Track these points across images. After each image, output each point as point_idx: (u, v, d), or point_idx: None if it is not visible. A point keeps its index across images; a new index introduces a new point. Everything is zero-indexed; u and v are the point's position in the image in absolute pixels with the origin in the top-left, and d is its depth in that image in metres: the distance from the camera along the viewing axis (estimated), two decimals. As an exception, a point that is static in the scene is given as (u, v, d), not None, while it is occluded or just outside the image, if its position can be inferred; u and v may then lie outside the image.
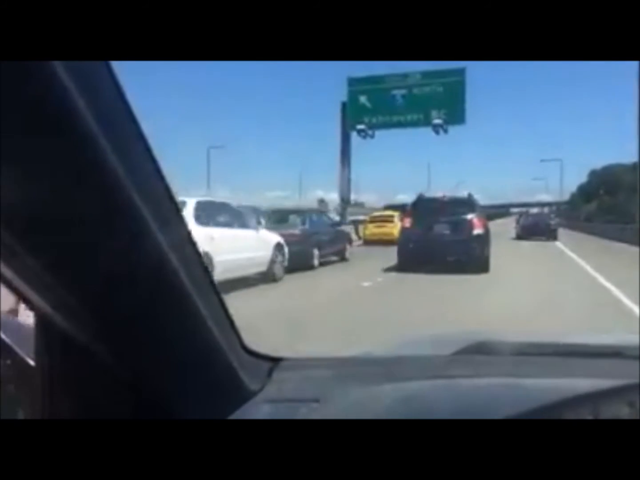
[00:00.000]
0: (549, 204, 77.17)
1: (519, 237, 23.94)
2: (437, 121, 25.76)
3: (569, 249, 18.64)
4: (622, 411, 0.57)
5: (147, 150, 0.54)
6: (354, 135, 27.47)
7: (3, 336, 0.80)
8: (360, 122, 26.30)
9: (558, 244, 20.56)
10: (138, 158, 0.53)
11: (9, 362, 0.78)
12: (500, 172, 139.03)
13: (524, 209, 42.78)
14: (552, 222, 24.84)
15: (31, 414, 0.71)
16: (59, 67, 0.41)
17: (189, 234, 0.63)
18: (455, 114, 26.92)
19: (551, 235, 22.87)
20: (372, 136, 26.69)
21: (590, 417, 0.57)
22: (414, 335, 1.61)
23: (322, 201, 38.31)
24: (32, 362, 0.72)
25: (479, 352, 0.97)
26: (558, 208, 66.84)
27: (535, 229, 24.06)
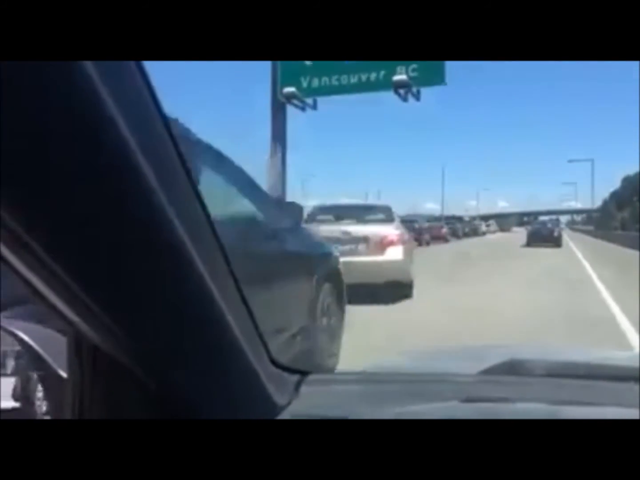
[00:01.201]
0: (579, 212, 75.26)
1: (528, 243, 25.60)
2: (400, 78, 12.48)
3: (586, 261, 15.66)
4: None
5: (176, 151, 0.54)
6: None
7: (36, 346, 0.81)
8: (297, 86, 14.14)
9: (579, 257, 17.82)
10: (165, 161, 0.53)
11: (41, 373, 0.79)
12: (527, 176, 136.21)
13: (554, 217, 41.81)
14: (556, 230, 27.03)
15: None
16: (90, 68, 0.42)
17: (219, 241, 0.63)
18: (430, 69, 13.11)
19: (556, 241, 24.87)
20: (314, 107, 14.32)
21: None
22: (439, 347, 1.59)
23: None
24: (64, 374, 0.73)
25: (510, 371, 0.95)
26: (588, 216, 65.36)
27: (541, 236, 25.95)
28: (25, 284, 0.51)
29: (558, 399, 0.81)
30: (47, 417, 0.77)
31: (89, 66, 0.42)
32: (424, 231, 26.11)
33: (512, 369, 0.95)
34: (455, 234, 35.48)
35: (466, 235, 39.23)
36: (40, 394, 0.80)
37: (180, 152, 0.55)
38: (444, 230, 31.59)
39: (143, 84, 0.49)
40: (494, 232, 55.12)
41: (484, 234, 47.06)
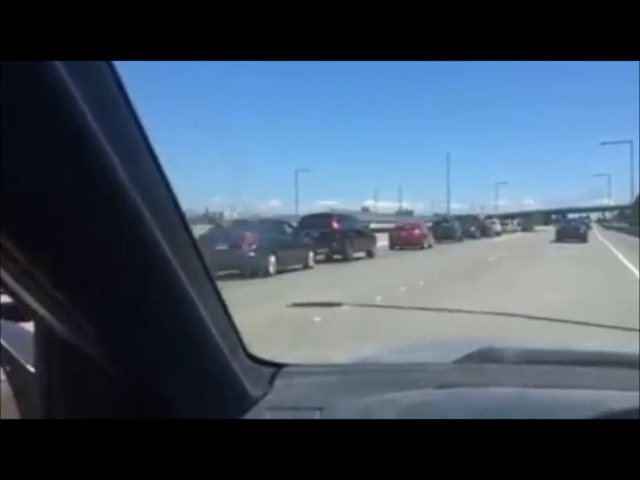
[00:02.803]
0: (609, 209, 69.56)
1: (557, 239, 28.24)
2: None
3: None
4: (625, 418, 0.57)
5: (151, 154, 0.55)
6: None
7: (2, 341, 0.79)
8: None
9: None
10: (142, 163, 0.53)
11: (8, 368, 0.77)
12: (556, 173, 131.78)
13: (583, 215, 41.75)
14: (582, 228, 29.78)
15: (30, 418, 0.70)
16: (61, 68, 0.41)
17: (192, 238, 0.63)
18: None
19: (582, 237, 27.45)
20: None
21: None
22: (417, 340, 1.60)
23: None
24: (31, 369, 0.72)
25: (484, 359, 0.96)
26: (620, 212, 60.73)
27: (568, 232, 28.88)
28: None
29: (530, 383, 0.82)
30: (15, 412, 0.75)
31: (66, 71, 0.42)
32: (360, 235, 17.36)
33: (487, 357, 0.97)
34: (448, 236, 27.81)
35: (471, 236, 32.17)
36: (9, 390, 0.78)
37: (154, 153, 0.55)
38: (419, 231, 23.17)
39: (117, 88, 0.50)
40: (512, 231, 49.44)
41: (498, 234, 40.31)
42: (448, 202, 61.59)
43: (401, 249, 21.32)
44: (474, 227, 34.57)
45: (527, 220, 60.87)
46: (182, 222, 0.61)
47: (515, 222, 58.81)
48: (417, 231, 23.23)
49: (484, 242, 30.44)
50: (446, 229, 29.30)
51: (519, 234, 45.98)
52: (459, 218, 37.32)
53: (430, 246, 23.49)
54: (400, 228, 23.70)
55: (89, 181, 0.46)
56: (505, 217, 59.98)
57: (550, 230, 35.21)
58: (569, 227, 31.00)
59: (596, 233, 32.44)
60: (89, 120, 0.44)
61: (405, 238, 22.46)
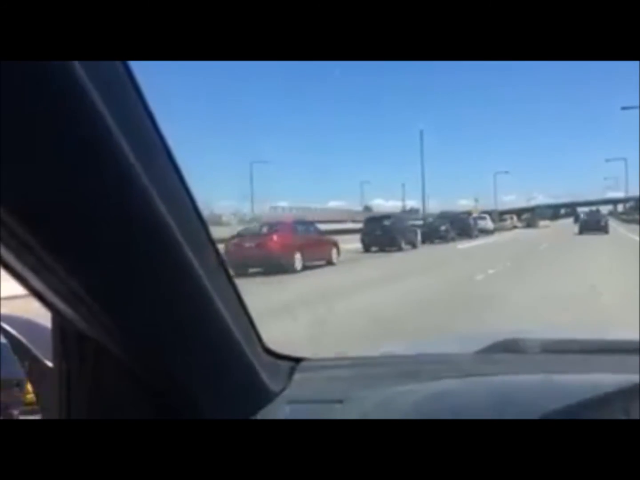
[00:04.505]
0: (620, 201, 67.81)
1: (580, 232, 29.85)
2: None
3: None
4: None
5: (166, 151, 0.55)
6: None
7: (21, 337, 0.80)
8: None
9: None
10: (158, 158, 0.54)
11: (27, 363, 0.78)
12: (565, 168, 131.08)
13: (593, 208, 41.37)
14: (602, 220, 31.39)
15: (49, 414, 0.71)
16: (78, 68, 0.42)
17: (209, 235, 0.63)
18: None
19: (603, 229, 29.04)
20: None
21: (620, 415, 0.56)
22: (438, 335, 1.59)
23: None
24: (49, 363, 0.72)
25: (506, 350, 0.95)
26: (631, 205, 58.73)
27: (591, 225, 30.46)
28: (9, 271, 0.50)
29: (552, 370, 0.81)
30: (35, 408, 0.75)
31: (80, 69, 0.42)
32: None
33: (508, 347, 0.95)
34: (385, 243, 19.27)
35: (441, 238, 24.83)
36: (28, 384, 0.78)
37: (170, 151, 0.56)
38: (278, 241, 12.38)
39: (131, 86, 0.51)
40: (510, 228, 44.00)
41: (488, 232, 33.48)
42: (423, 193, 49.09)
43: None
44: (444, 227, 26.58)
45: (534, 215, 55.49)
46: (199, 219, 0.61)
47: (515, 217, 53.00)
48: (273, 242, 12.40)
49: (441, 248, 21.48)
50: (385, 232, 19.49)
51: (516, 232, 39.91)
52: (442, 216, 31.56)
53: (332, 263, 14.06)
54: (245, 238, 12.60)
55: (107, 181, 0.47)
56: (504, 213, 54.73)
57: (565, 224, 34.53)
58: (591, 221, 32.16)
59: (624, 232, 28.56)
60: (106, 119, 0.45)
61: (251, 254, 11.74)
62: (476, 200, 60.24)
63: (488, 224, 36.70)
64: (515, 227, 47.67)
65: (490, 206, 55.51)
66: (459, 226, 28.93)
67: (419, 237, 22.18)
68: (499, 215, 50.86)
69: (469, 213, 37.16)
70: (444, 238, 25.35)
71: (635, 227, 29.27)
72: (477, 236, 30.48)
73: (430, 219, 30.38)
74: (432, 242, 24.06)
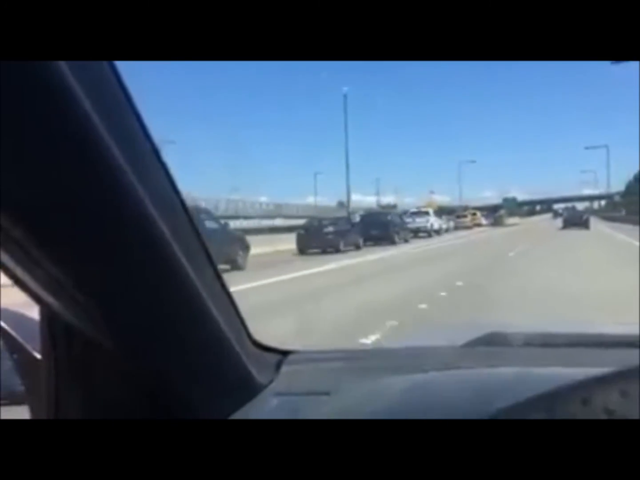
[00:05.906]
0: (597, 197, 67.52)
1: (564, 227, 33.35)
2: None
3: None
4: (614, 397, 0.56)
5: (152, 146, 0.55)
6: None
7: (9, 329, 0.79)
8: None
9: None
10: (142, 153, 0.54)
11: (15, 355, 0.78)
12: (542, 163, 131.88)
13: (569, 204, 43.05)
14: (584, 216, 35.30)
15: (37, 407, 0.71)
16: (64, 68, 0.42)
17: (194, 226, 0.63)
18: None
19: (584, 224, 32.58)
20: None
21: (599, 410, 0.56)
22: (424, 327, 1.61)
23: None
24: (38, 356, 0.72)
25: (491, 343, 0.96)
26: (608, 202, 58.02)
27: (574, 220, 34.58)
28: None
29: (536, 364, 0.82)
30: (22, 401, 0.75)
31: (65, 67, 0.42)
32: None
33: (494, 340, 0.97)
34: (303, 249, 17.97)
35: (332, 246, 19.08)
36: (16, 376, 0.78)
37: (157, 149, 0.56)
38: None
39: (119, 87, 0.51)
40: (469, 227, 37.82)
41: (437, 232, 28.88)
42: (348, 191, 38.80)
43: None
44: (329, 229, 20.18)
45: (506, 212, 48.57)
46: (186, 214, 0.61)
47: (478, 214, 45.36)
48: None
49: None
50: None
51: (473, 233, 33.14)
52: (366, 215, 26.35)
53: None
54: None
55: (93, 173, 0.47)
56: (465, 210, 47.45)
57: (542, 219, 34.69)
58: (573, 216, 37.32)
59: (606, 230, 27.73)
60: (93, 118, 0.45)
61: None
62: (431, 192, 55.73)
63: (430, 222, 29.51)
64: (478, 225, 40.49)
65: (464, 202, 52.47)
66: (378, 228, 22.78)
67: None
68: (463, 212, 44.49)
69: (391, 208, 30.80)
70: (333, 245, 19.24)
71: (613, 224, 35.51)
72: (407, 241, 23.98)
73: (315, 222, 21.79)
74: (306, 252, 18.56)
